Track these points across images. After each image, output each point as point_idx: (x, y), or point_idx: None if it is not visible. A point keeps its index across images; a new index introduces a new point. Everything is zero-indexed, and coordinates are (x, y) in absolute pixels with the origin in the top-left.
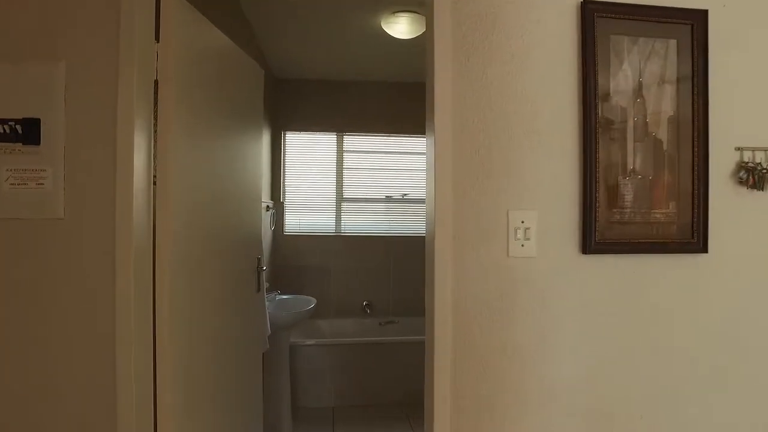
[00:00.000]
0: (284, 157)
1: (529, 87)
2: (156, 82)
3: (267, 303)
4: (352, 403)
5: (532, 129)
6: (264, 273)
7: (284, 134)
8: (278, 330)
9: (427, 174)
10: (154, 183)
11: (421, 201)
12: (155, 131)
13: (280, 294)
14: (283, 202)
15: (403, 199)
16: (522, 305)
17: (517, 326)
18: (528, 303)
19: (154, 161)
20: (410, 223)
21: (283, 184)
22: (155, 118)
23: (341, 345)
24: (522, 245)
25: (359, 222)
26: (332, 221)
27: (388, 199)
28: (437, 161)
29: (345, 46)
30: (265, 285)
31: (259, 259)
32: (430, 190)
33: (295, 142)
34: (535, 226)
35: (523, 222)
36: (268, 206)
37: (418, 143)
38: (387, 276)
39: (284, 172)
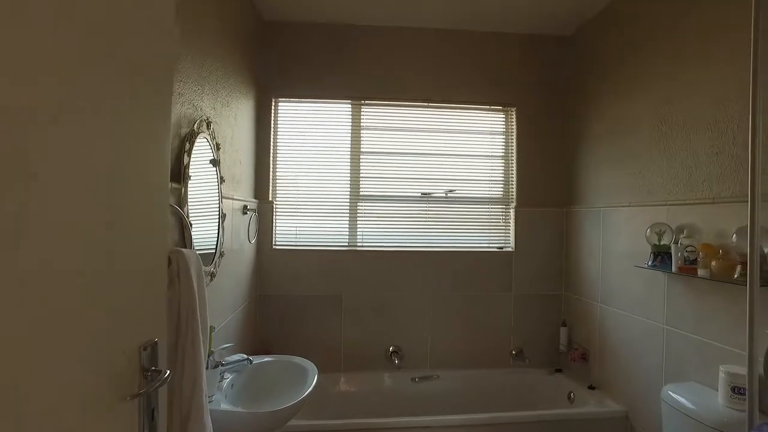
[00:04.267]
0: (275, 136)
1: None
2: None
3: (220, 391)
4: None
5: None
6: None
7: (275, 103)
8: None
9: None
10: None
11: (476, 201)
12: None
13: (250, 361)
14: (272, 202)
15: (448, 199)
16: None
17: None
18: None
19: None
20: (457, 233)
21: (273, 176)
22: None
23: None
24: None
25: (383, 231)
26: (345, 229)
27: (426, 199)
28: None
29: None
30: (221, 353)
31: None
32: None
33: (291, 114)
34: None
35: None
36: (246, 208)
37: (475, 118)
38: (423, 310)
39: (274, 157)
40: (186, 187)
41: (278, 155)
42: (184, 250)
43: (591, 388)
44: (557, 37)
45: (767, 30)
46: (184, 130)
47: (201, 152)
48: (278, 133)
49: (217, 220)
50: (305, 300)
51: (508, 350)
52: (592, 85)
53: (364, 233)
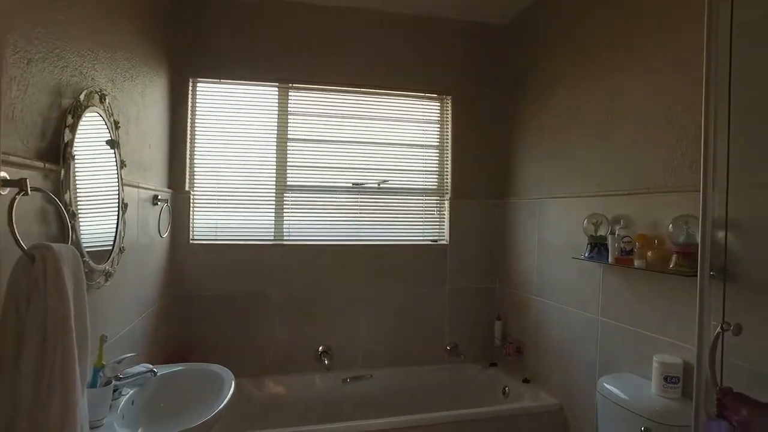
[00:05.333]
0: (192, 120)
1: None
2: None
3: (115, 411)
4: None
5: None
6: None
7: (193, 84)
8: None
9: None
10: None
11: (409, 192)
12: None
13: (155, 373)
14: (189, 192)
15: (380, 190)
16: None
17: None
18: None
19: None
20: (390, 226)
21: (191, 164)
22: None
23: None
24: None
25: (312, 224)
26: (270, 222)
27: (357, 190)
28: None
29: None
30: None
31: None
32: None
33: (212, 97)
34: None
35: None
36: (157, 198)
37: (409, 106)
38: (354, 307)
39: (192, 144)
40: (68, 169)
41: (196, 142)
42: (54, 245)
43: (526, 381)
44: (495, 25)
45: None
46: (67, 101)
47: (92, 130)
48: (197, 117)
49: (117, 211)
50: (227, 299)
51: (442, 346)
52: (529, 75)
53: (291, 226)
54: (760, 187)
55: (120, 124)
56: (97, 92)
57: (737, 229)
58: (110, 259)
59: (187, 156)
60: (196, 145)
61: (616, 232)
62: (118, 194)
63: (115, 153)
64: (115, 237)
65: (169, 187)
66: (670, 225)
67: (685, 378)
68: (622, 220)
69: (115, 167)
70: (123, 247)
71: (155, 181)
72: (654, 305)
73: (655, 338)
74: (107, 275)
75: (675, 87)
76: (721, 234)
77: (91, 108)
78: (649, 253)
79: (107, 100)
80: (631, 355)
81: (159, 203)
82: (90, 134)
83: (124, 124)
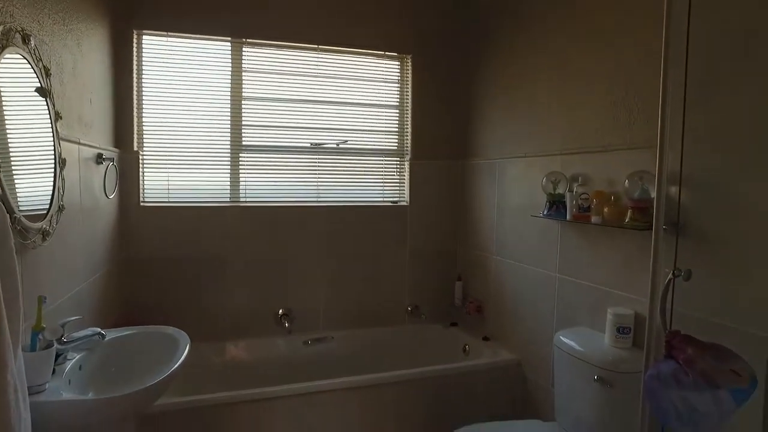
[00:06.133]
0: (139, 75)
1: None
2: None
3: (60, 376)
4: None
5: None
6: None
7: (138, 36)
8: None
9: None
10: None
11: (369, 153)
12: None
13: (103, 336)
14: (138, 152)
15: (339, 150)
16: None
17: None
18: None
19: None
20: (350, 187)
21: (139, 122)
22: None
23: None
24: None
25: (269, 184)
26: (226, 183)
27: (316, 150)
28: None
29: None
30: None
31: None
32: None
33: (160, 51)
34: None
35: None
36: (102, 157)
37: (368, 65)
38: (313, 269)
39: (139, 101)
40: None
41: (145, 99)
42: None
43: (486, 339)
44: None
45: None
46: None
47: (17, 74)
48: (144, 72)
49: (53, 167)
50: (182, 263)
51: (403, 307)
52: (491, 35)
53: (247, 187)
54: (707, 143)
55: (51, 72)
56: (18, 31)
57: (687, 184)
58: (48, 217)
59: (135, 114)
60: (144, 102)
61: (574, 190)
62: (54, 148)
63: (47, 103)
64: (53, 194)
65: (115, 147)
66: (626, 181)
67: (636, 329)
68: (580, 178)
69: (49, 119)
70: (63, 205)
71: (99, 138)
72: (609, 260)
73: (610, 292)
74: (45, 234)
75: (631, 47)
76: (672, 189)
77: (11, 48)
78: (606, 210)
79: (32, 42)
80: (586, 309)
81: (104, 162)
82: (14, 79)
83: (57, 73)
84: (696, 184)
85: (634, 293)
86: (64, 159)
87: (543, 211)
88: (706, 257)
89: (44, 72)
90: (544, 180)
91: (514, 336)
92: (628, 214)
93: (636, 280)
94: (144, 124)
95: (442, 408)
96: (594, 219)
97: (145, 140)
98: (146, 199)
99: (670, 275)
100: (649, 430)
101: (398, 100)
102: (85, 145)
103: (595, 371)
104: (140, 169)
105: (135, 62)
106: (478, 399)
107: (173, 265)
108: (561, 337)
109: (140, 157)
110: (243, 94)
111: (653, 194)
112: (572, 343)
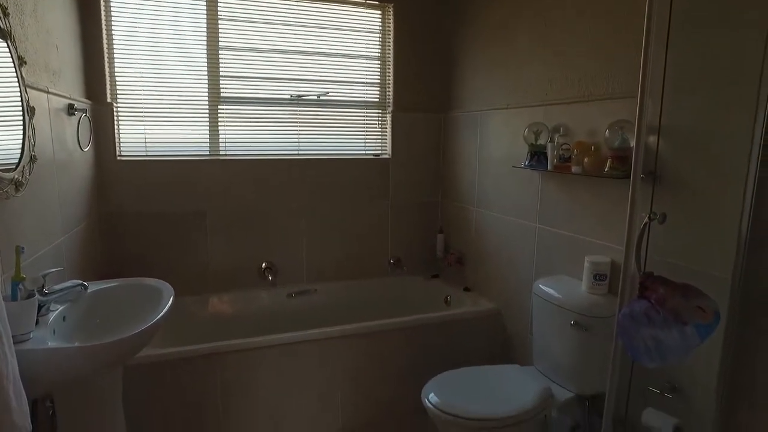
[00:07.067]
0: (108, 23)
1: None
2: None
3: (45, 326)
4: None
5: None
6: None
7: None
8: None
9: None
10: None
11: (351, 105)
12: None
13: (85, 287)
14: (111, 104)
15: (320, 102)
16: None
17: None
18: None
19: None
20: (331, 139)
21: (111, 73)
22: None
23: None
24: None
25: (249, 137)
26: (204, 136)
27: (297, 102)
28: None
29: None
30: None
31: None
32: None
33: None
34: None
35: None
36: (73, 108)
37: (350, 13)
38: (296, 222)
39: (110, 50)
40: None
41: (115, 48)
42: None
43: (467, 290)
44: None
45: None
46: None
47: None
48: (113, 18)
49: (22, 116)
50: (163, 217)
51: (385, 259)
52: None
53: (227, 140)
54: (686, 92)
55: (9, 12)
56: None
57: (665, 134)
58: (19, 167)
59: (106, 63)
60: (115, 51)
61: (556, 140)
62: (21, 96)
63: (8, 46)
64: (24, 144)
65: (87, 98)
66: (607, 131)
67: (612, 276)
68: (561, 129)
69: (12, 64)
70: (35, 155)
71: (69, 89)
72: (588, 210)
73: (588, 241)
74: (17, 185)
75: None
76: (651, 139)
77: None
78: (586, 159)
79: None
80: (565, 259)
81: (76, 114)
82: None
83: (17, 14)
84: (673, 134)
85: (612, 242)
86: (33, 107)
87: (524, 162)
88: (681, 205)
89: (1, 10)
90: (525, 130)
91: (495, 286)
92: (608, 163)
93: (613, 228)
94: (116, 74)
95: (424, 357)
96: (574, 169)
97: (119, 92)
98: (123, 153)
99: (646, 219)
100: (620, 366)
101: (380, 50)
102: (54, 94)
103: (571, 316)
104: (115, 122)
105: (103, 8)
106: (460, 347)
107: (154, 219)
108: (540, 285)
109: (114, 109)
110: (219, 43)
111: (633, 143)
112: (550, 291)
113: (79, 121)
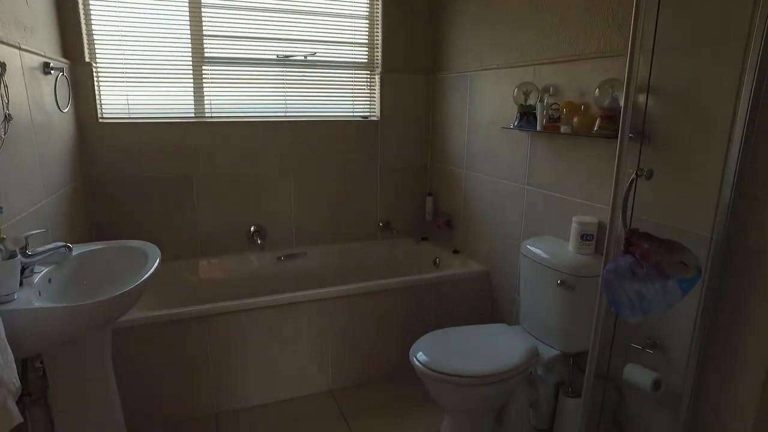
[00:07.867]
0: None
1: None
2: None
3: (30, 287)
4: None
5: None
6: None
7: None
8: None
9: None
10: None
11: (339, 66)
12: None
13: (69, 249)
14: (90, 64)
15: (308, 62)
16: None
17: None
18: None
19: None
20: (319, 101)
21: (88, 31)
22: None
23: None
24: None
25: (235, 99)
26: (189, 98)
27: (283, 62)
28: None
29: None
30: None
31: None
32: None
33: None
34: None
35: None
36: (49, 66)
37: None
38: (284, 185)
39: (86, 6)
40: None
41: (92, 3)
42: None
43: (455, 252)
44: None
45: None
46: None
47: None
48: None
49: None
50: (148, 181)
51: (375, 222)
52: None
53: (212, 102)
54: (676, 51)
55: None
56: None
57: (654, 93)
58: None
59: (82, 20)
60: (91, 7)
61: (545, 101)
62: None
63: None
64: None
65: (64, 57)
66: (597, 90)
67: (599, 236)
68: (551, 89)
69: None
70: (9, 114)
71: (43, 46)
72: (577, 171)
73: (576, 202)
74: None
75: None
76: (641, 98)
77: None
78: (576, 119)
79: None
80: (553, 219)
81: (53, 73)
82: None
83: None
84: (662, 93)
85: (599, 202)
86: (4, 63)
87: (514, 123)
88: (668, 164)
89: None
90: (515, 91)
91: (484, 248)
92: (597, 122)
93: (601, 189)
94: (94, 33)
95: (413, 318)
96: (563, 128)
97: (97, 51)
98: (105, 115)
99: (633, 175)
100: (603, 324)
101: (368, 10)
102: (26, 51)
103: (558, 276)
104: (95, 83)
105: None
106: (449, 308)
107: (140, 183)
108: (527, 246)
109: (94, 69)
110: (202, 1)
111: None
112: (538, 251)
113: (56, 80)
